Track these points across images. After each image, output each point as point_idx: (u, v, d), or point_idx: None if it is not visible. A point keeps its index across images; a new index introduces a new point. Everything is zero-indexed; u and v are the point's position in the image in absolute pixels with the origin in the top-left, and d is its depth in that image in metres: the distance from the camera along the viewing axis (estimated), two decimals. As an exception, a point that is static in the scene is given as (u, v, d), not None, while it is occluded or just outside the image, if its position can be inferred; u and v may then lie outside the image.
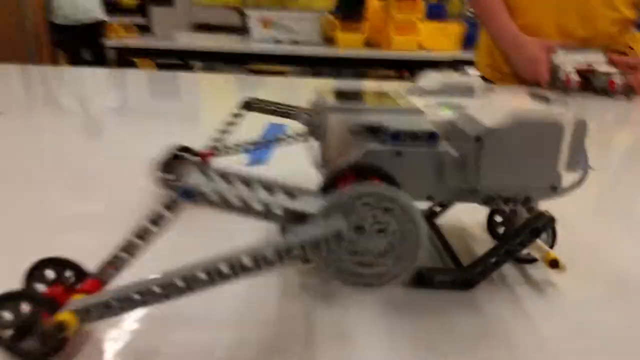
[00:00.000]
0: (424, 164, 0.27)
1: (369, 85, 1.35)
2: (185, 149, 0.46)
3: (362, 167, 0.26)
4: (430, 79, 0.39)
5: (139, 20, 2.52)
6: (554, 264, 0.31)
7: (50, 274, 0.25)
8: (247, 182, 0.24)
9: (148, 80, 1.23)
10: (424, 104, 0.34)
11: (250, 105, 0.45)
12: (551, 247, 0.34)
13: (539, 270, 0.34)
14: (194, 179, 0.22)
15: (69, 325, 0.21)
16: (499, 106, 0.27)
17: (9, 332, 0.22)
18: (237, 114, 0.45)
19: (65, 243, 0.35)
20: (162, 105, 0.93)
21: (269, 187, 0.24)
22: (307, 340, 0.25)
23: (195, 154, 0.46)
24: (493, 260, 0.30)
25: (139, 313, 0.27)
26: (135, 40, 2.16)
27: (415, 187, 0.28)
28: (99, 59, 2.52)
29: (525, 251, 0.33)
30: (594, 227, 0.42)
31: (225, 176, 0.23)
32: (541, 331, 0.27)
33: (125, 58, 2.20)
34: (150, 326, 0.26)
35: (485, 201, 0.28)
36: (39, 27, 3.02)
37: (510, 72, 1.27)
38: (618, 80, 1.06)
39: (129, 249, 0.23)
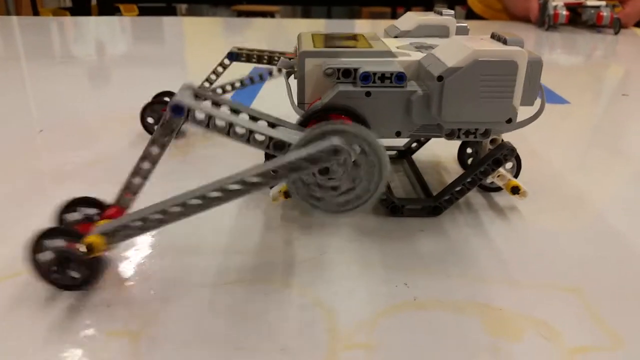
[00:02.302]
0: (391, 102, 0.29)
1: (358, 24, 1.34)
2: (168, 94, 0.48)
3: (332, 107, 0.28)
4: (406, 19, 0.41)
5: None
6: (515, 190, 0.34)
7: (80, 211, 0.27)
8: (234, 109, 0.26)
9: (134, 26, 1.22)
10: (399, 44, 0.36)
11: (235, 55, 0.46)
12: (516, 176, 0.37)
13: (504, 198, 0.37)
14: (184, 97, 0.25)
15: (97, 246, 0.24)
16: (461, 47, 0.28)
17: (50, 267, 0.25)
18: (222, 63, 0.47)
19: (63, 190, 0.38)
20: (150, 51, 0.93)
21: (254, 116, 0.26)
22: (286, 263, 0.28)
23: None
24: (458, 188, 0.34)
25: (133, 243, 0.30)
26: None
27: (385, 123, 0.30)
28: (82, 5, 2.47)
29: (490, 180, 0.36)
30: (567, 158, 0.45)
31: (215, 101, 0.26)
32: (500, 251, 0.31)
33: (109, 3, 2.15)
34: (145, 254, 0.29)
35: (448, 135, 0.30)
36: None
37: (501, 7, 1.26)
38: (606, 13, 1.06)
39: (140, 173, 0.26)
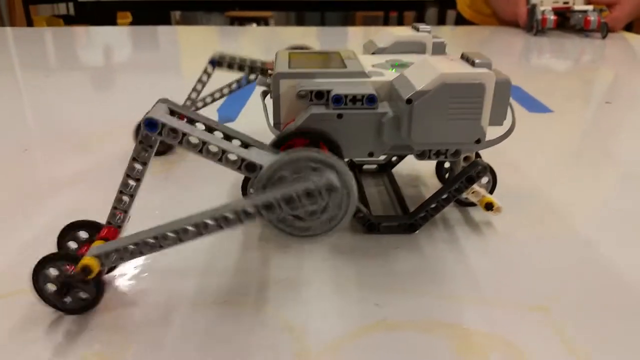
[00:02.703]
0: (363, 124, 0.30)
1: (351, 32, 1.34)
2: None
3: (305, 130, 0.29)
4: (384, 36, 0.41)
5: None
6: (489, 206, 0.35)
7: (80, 235, 0.28)
8: (210, 128, 0.27)
9: (129, 36, 1.23)
10: (375, 62, 0.37)
11: (217, 62, 0.47)
12: (491, 191, 0.38)
13: (480, 213, 0.37)
14: (159, 112, 0.25)
15: (92, 268, 0.24)
16: (430, 69, 0.29)
17: (53, 290, 0.25)
18: (205, 71, 0.47)
19: (60, 200, 0.38)
20: (147, 60, 0.94)
21: (229, 135, 0.27)
22: (261, 284, 0.29)
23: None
24: (433, 205, 0.34)
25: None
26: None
27: (357, 145, 0.31)
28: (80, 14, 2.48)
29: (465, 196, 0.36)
30: (545, 171, 0.45)
31: (190, 118, 0.26)
32: (472, 267, 0.31)
33: (104, 11, 2.15)
34: (123, 277, 0.29)
35: (419, 155, 0.31)
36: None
37: (491, 12, 1.27)
38: (593, 18, 1.07)
39: (127, 190, 0.26)
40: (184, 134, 0.25)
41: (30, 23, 2.90)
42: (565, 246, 0.33)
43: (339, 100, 0.30)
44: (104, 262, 0.24)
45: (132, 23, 2.89)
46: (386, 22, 3.07)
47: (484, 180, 0.37)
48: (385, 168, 0.44)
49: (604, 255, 0.32)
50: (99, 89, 0.73)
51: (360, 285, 0.29)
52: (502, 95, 0.30)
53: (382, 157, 0.44)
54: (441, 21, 2.34)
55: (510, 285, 0.29)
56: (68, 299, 0.25)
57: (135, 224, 0.27)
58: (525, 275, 0.30)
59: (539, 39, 1.10)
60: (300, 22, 4.04)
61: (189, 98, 0.48)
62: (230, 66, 0.47)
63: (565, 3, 1.11)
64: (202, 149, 0.25)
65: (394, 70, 0.34)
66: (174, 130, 0.25)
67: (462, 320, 0.26)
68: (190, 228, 0.24)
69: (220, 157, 0.25)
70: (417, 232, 0.35)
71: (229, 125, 0.56)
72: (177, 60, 0.98)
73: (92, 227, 0.28)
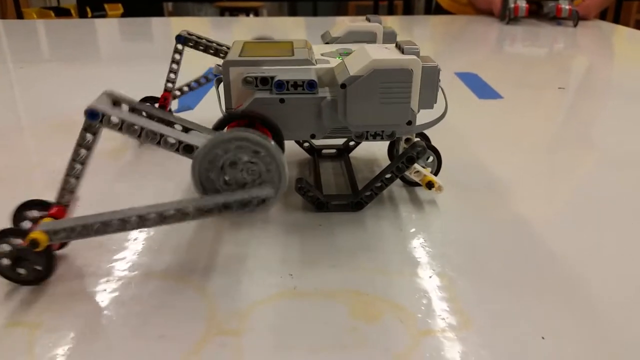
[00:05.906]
0: (304, 108, 0.32)
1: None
2: (150, 99, 0.50)
3: (246, 114, 0.31)
4: (339, 26, 0.44)
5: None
6: (430, 185, 0.37)
7: (33, 213, 0.30)
8: (151, 115, 0.29)
9: (121, 27, 1.24)
10: (326, 51, 0.39)
11: (184, 39, 0.48)
12: (435, 173, 0.40)
13: (426, 192, 0.40)
14: (100, 103, 0.27)
15: (40, 242, 0.26)
16: (363, 56, 0.31)
17: (6, 263, 0.27)
18: (175, 49, 0.49)
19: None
20: (141, 52, 0.95)
21: (169, 122, 0.29)
22: (208, 262, 0.31)
23: (157, 100, 0.50)
24: (378, 184, 0.36)
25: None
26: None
27: (299, 127, 0.33)
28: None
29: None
30: (491, 153, 0.48)
31: (133, 108, 0.28)
32: (404, 242, 0.33)
33: (95, 3, 2.16)
34: (83, 251, 0.32)
35: (358, 137, 0.33)
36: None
37: (467, 1, 1.29)
38: (564, 6, 1.09)
39: (73, 173, 0.28)
40: (124, 121, 0.27)
41: (20, 15, 2.89)
42: (496, 223, 0.36)
43: (281, 85, 0.32)
44: (52, 238, 0.26)
45: (124, 15, 2.89)
46: (376, 12, 3.08)
47: (430, 161, 0.40)
48: (343, 152, 0.46)
49: (531, 234, 0.34)
50: (92, 80, 0.75)
51: (285, 259, 0.31)
52: (431, 81, 0.32)
53: (341, 142, 0.47)
54: (428, 10, 2.35)
55: (433, 257, 0.31)
56: (22, 271, 0.27)
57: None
58: (450, 248, 0.32)
59: (512, 27, 1.12)
60: (293, 12, 4.03)
61: (168, 80, 0.49)
62: (195, 46, 0.48)
63: (540, -8, 1.13)
64: (140, 133, 0.27)
65: (340, 58, 0.37)
66: (114, 119, 0.27)
67: (364, 287, 0.28)
68: (132, 219, 0.26)
69: (159, 140, 0.27)
70: (364, 209, 0.37)
71: (188, 113, 0.58)
72: (169, 51, 0.99)
73: (43, 205, 0.30)
